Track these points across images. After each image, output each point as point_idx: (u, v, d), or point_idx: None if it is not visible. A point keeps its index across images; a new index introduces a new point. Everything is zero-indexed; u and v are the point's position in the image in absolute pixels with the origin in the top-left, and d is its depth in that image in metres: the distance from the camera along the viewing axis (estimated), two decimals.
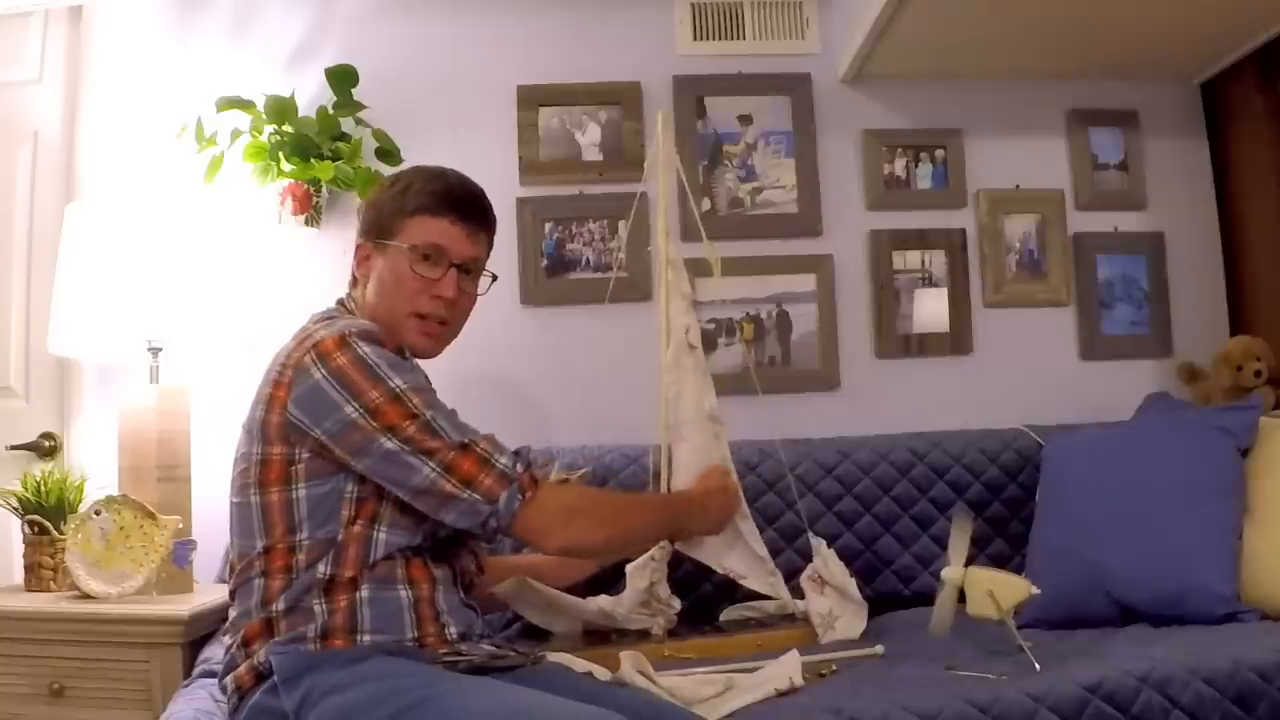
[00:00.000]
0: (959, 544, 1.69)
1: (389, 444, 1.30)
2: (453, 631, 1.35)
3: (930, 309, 2.53)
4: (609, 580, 1.89)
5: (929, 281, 2.54)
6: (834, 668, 1.64)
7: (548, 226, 2.46)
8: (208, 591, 1.93)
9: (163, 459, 1.99)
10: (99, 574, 1.84)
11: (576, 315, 2.43)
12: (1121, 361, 2.54)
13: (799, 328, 2.48)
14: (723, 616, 1.95)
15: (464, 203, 1.49)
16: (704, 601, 1.99)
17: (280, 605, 1.29)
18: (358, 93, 2.34)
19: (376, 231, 1.48)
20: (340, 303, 1.52)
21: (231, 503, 1.38)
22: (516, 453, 1.38)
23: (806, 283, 2.49)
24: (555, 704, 1.19)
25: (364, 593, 1.30)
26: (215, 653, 1.66)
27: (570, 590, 1.82)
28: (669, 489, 1.84)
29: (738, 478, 1.88)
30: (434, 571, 1.37)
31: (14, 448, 2.25)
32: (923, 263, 2.54)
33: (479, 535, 1.41)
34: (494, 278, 1.56)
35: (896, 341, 2.51)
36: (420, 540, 1.36)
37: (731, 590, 1.93)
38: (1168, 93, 2.63)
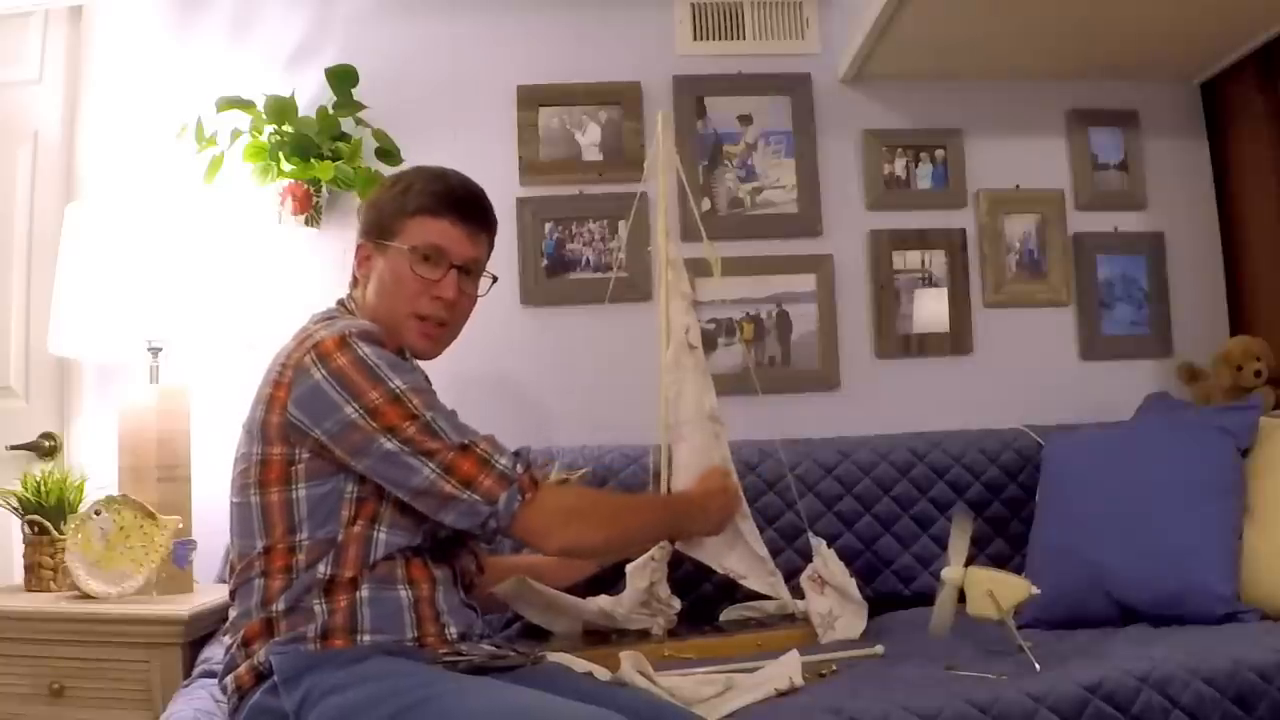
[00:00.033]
0: (959, 544, 1.69)
1: (389, 445, 1.30)
2: (453, 631, 1.35)
3: (930, 309, 2.53)
4: (609, 580, 1.89)
5: (929, 281, 2.54)
6: (834, 668, 1.64)
7: (548, 226, 2.46)
8: (208, 591, 1.93)
9: (163, 459, 1.99)
10: (99, 574, 1.85)
11: (576, 315, 2.43)
12: (1121, 361, 2.54)
13: (799, 328, 2.48)
14: (723, 616, 1.95)
15: (465, 204, 1.49)
16: (704, 601, 1.99)
17: (280, 605, 1.29)
18: (358, 93, 2.34)
19: (377, 232, 1.48)
20: (340, 303, 1.52)
21: (231, 503, 1.38)
22: (516, 454, 1.38)
23: (806, 283, 2.49)
24: (555, 704, 1.19)
25: (364, 593, 1.30)
26: (215, 653, 1.66)
27: (570, 590, 1.82)
28: (669, 489, 1.84)
29: (738, 478, 1.88)
30: (434, 572, 1.37)
31: (14, 448, 2.25)
32: (923, 263, 2.54)
33: (479, 536, 1.41)
34: (494, 279, 1.56)
35: (896, 341, 2.51)
36: (420, 540, 1.36)
37: (731, 590, 1.93)
38: (1168, 93, 2.63)
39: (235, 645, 1.32)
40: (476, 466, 1.32)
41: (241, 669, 1.29)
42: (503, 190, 2.34)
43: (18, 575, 2.03)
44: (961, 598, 1.67)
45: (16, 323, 2.31)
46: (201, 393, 2.13)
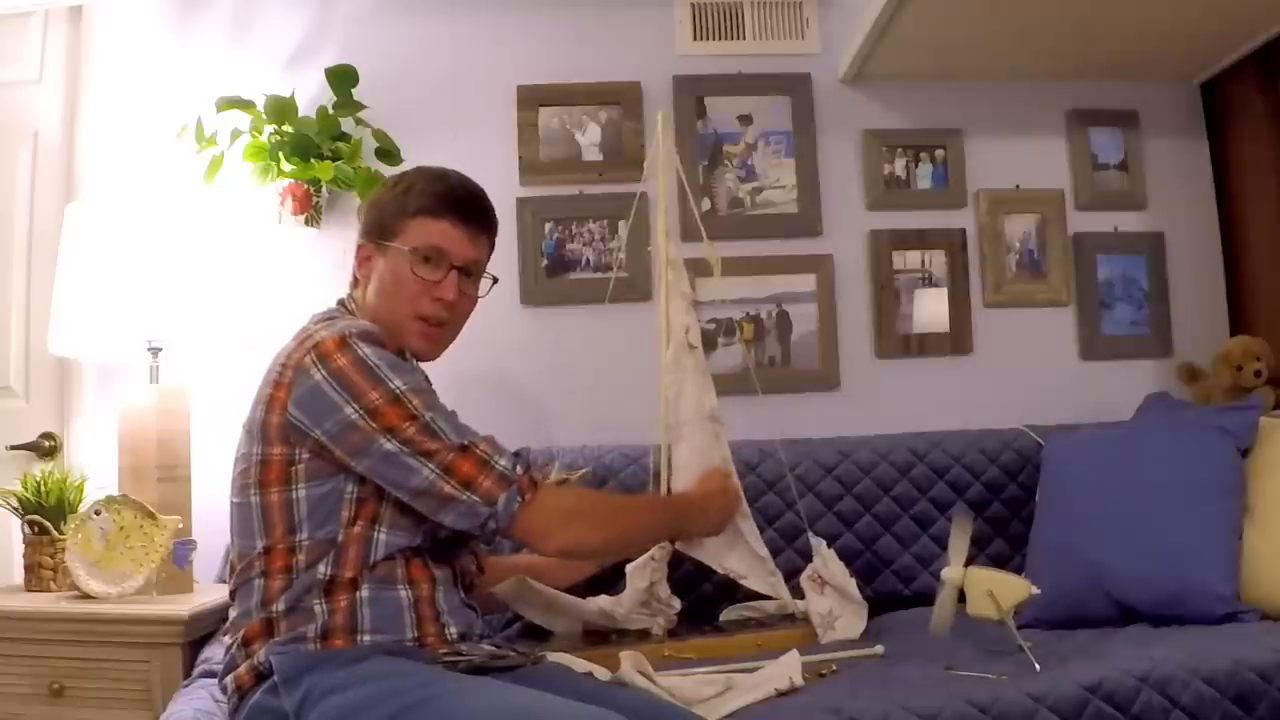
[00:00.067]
0: (959, 544, 1.69)
1: (388, 445, 1.30)
2: (453, 631, 1.35)
3: (930, 309, 2.53)
4: (609, 580, 1.89)
5: (929, 281, 2.54)
6: (834, 668, 1.64)
7: (548, 226, 2.46)
8: (208, 591, 1.93)
9: (163, 459, 1.99)
10: (99, 574, 1.85)
11: (576, 315, 2.43)
12: (1121, 361, 2.54)
13: (799, 328, 2.48)
14: (723, 616, 1.95)
15: (465, 205, 1.48)
16: (704, 601, 1.99)
17: (280, 605, 1.29)
18: (358, 93, 2.34)
19: (378, 232, 1.48)
20: (341, 303, 1.52)
21: (231, 503, 1.38)
22: (516, 454, 1.38)
23: (806, 283, 2.49)
24: (555, 704, 1.19)
25: (364, 593, 1.30)
26: (215, 653, 1.66)
27: (570, 590, 1.82)
28: (669, 489, 1.84)
29: (738, 478, 1.87)
30: (434, 572, 1.37)
31: (14, 448, 2.25)
32: (923, 263, 2.54)
33: (478, 536, 1.41)
34: (495, 280, 1.56)
35: (896, 341, 2.51)
36: (420, 541, 1.36)
37: (731, 590, 1.93)
38: (1168, 93, 2.63)
39: (235, 645, 1.32)
40: (476, 467, 1.32)
41: (241, 669, 1.29)
42: (503, 190, 2.34)
43: (18, 575, 2.03)
44: (961, 598, 1.67)
45: (16, 323, 2.31)
46: (201, 393, 2.13)
